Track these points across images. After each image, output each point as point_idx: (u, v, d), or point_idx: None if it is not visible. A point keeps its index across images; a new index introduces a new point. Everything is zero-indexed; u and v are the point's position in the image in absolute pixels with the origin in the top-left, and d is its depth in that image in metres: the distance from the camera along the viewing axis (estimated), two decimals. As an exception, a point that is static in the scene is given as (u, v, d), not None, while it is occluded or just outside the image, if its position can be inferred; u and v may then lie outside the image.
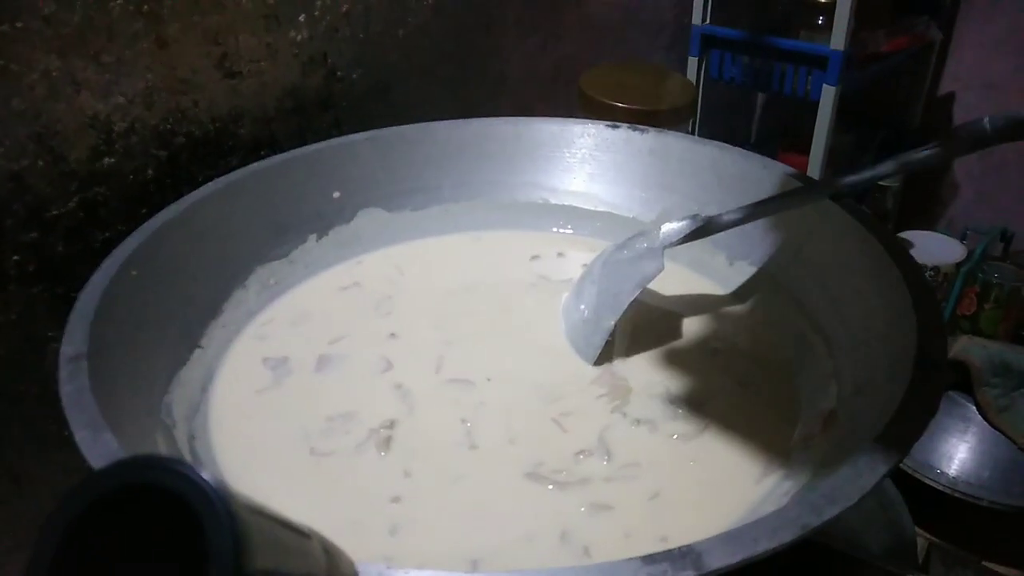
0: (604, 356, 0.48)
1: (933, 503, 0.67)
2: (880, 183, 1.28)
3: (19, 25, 0.45)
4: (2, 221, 0.47)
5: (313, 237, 0.56)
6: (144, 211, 0.53)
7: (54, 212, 0.49)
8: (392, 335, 0.50)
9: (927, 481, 0.69)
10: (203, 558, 0.15)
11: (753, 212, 0.48)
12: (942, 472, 0.69)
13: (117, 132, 0.51)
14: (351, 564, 0.23)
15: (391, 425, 0.43)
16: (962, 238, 1.12)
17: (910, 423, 0.32)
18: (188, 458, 0.39)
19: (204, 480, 0.16)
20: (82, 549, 0.16)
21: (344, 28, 0.63)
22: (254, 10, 0.57)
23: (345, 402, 0.45)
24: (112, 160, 0.51)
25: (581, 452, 0.41)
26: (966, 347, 0.72)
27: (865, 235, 0.45)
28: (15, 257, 0.48)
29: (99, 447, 0.30)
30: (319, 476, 0.40)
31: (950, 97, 1.45)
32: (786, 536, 0.27)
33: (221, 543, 0.15)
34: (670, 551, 0.26)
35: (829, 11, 1.06)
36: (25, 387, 0.51)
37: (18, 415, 0.51)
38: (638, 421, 0.43)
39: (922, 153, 0.44)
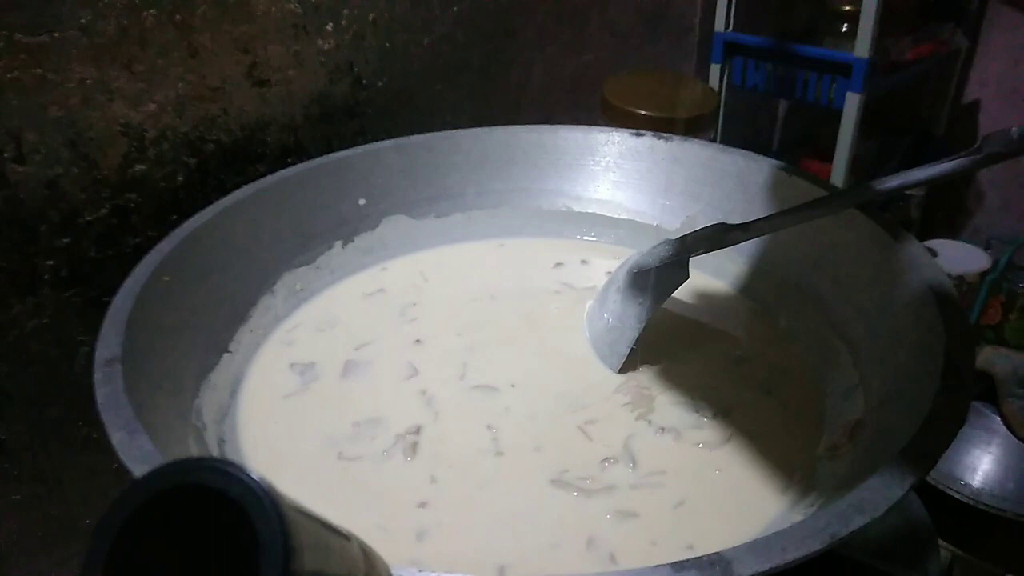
0: (628, 364, 0.48)
1: (957, 515, 0.67)
2: (905, 191, 1.27)
3: (56, 36, 0.46)
4: (37, 227, 0.48)
5: (339, 243, 0.57)
6: (174, 217, 0.54)
7: (87, 218, 0.50)
8: (417, 341, 0.51)
9: (951, 492, 0.68)
10: (252, 559, 0.15)
11: (778, 221, 0.48)
12: (966, 484, 0.68)
13: (149, 139, 0.52)
14: (387, 567, 0.23)
15: (417, 431, 0.43)
16: (987, 247, 1.11)
17: (937, 434, 0.32)
18: (218, 461, 0.40)
19: (255, 481, 0.16)
20: (134, 549, 0.17)
21: (370, 37, 0.64)
22: (283, 20, 0.58)
23: (371, 408, 0.45)
24: (143, 167, 0.52)
25: (606, 460, 0.41)
26: (991, 357, 0.72)
27: (891, 244, 0.45)
28: (48, 262, 0.49)
29: (135, 449, 0.31)
30: (346, 481, 0.40)
31: (975, 105, 1.44)
32: (814, 545, 0.27)
33: (272, 543, 0.15)
34: (699, 558, 0.26)
35: (853, 18, 1.05)
36: (57, 390, 0.52)
37: (49, 417, 0.52)
38: (663, 429, 0.43)
39: (949, 163, 0.44)
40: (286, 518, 0.16)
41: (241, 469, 0.16)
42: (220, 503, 0.16)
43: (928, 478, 0.68)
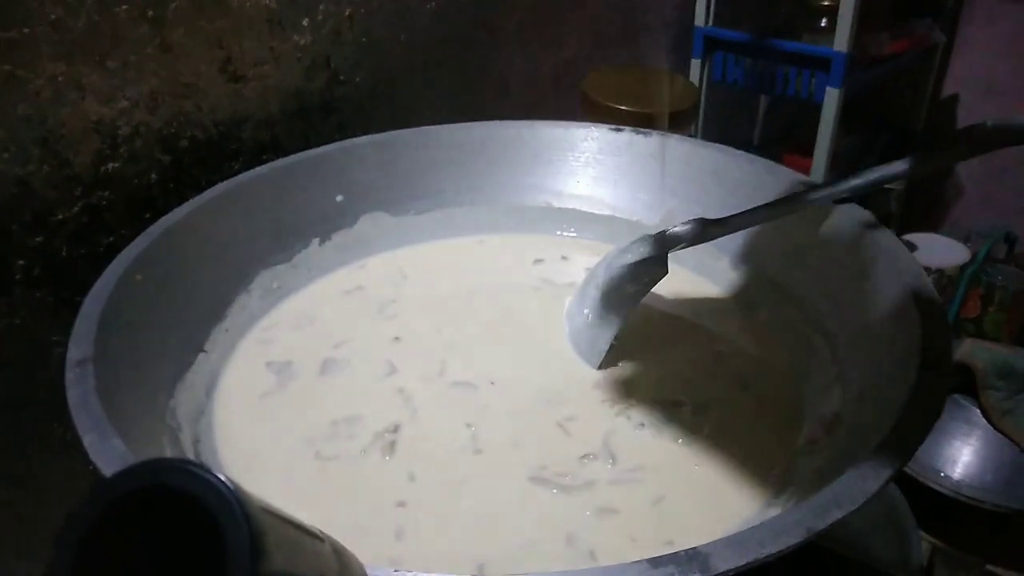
0: (608, 360, 0.48)
1: (937, 506, 0.67)
2: (884, 185, 1.28)
3: (26, 31, 0.45)
4: (8, 226, 0.47)
5: (316, 241, 0.56)
6: (148, 215, 0.53)
7: (59, 216, 0.49)
8: (396, 339, 0.50)
9: (931, 484, 0.69)
10: (220, 560, 0.15)
11: (756, 216, 0.48)
12: (946, 475, 0.69)
13: (121, 136, 0.51)
14: (361, 567, 0.23)
15: (395, 429, 0.43)
16: (966, 240, 1.12)
17: (914, 427, 0.32)
18: (193, 462, 0.39)
19: (221, 482, 0.16)
20: (100, 551, 0.16)
21: (347, 32, 0.64)
22: (257, 15, 0.57)
23: (349, 406, 0.45)
24: (116, 164, 0.52)
25: (585, 456, 0.41)
26: (970, 350, 0.72)
27: (868, 238, 0.45)
28: (20, 261, 0.48)
29: (107, 451, 0.31)
30: (324, 480, 0.40)
31: (953, 99, 1.46)
32: (791, 539, 0.27)
33: (239, 545, 0.15)
34: (676, 554, 0.26)
35: (832, 14, 1.06)
36: (29, 391, 0.51)
37: (22, 419, 0.51)
38: (642, 425, 0.43)
39: (926, 157, 0.44)
40: (253, 519, 0.16)
41: (207, 470, 0.16)
42: (187, 504, 0.16)
43: (908, 470, 0.68)
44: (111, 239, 0.52)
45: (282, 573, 0.16)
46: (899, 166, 0.45)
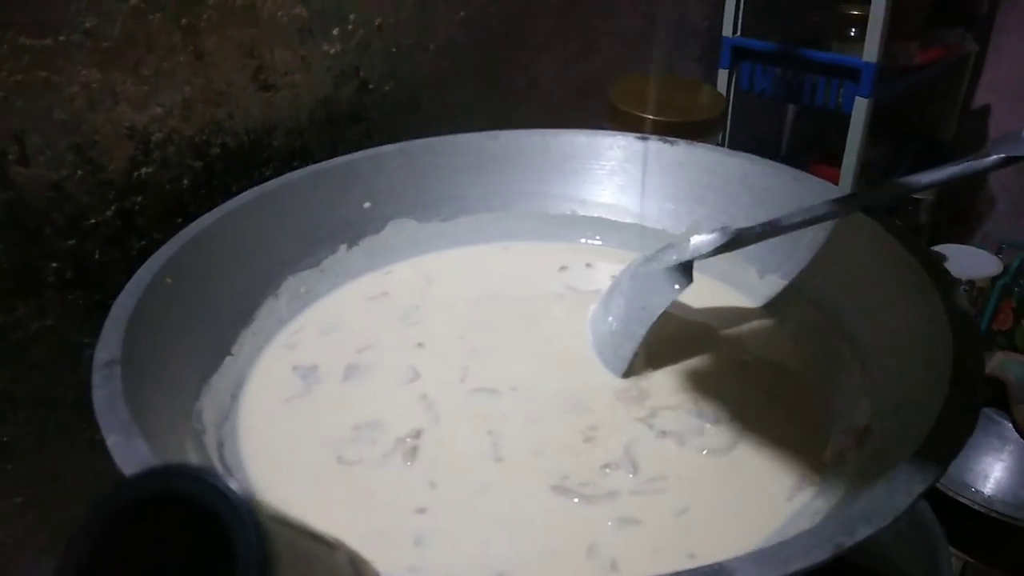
0: (632, 368, 0.47)
1: (968, 523, 0.66)
2: (914, 196, 1.26)
3: (61, 39, 0.46)
4: (41, 229, 0.48)
5: (344, 247, 0.56)
6: (179, 220, 0.54)
7: (92, 220, 0.50)
8: (419, 345, 0.50)
9: (962, 500, 0.67)
10: (230, 569, 0.15)
11: (784, 225, 0.47)
12: (977, 491, 0.68)
13: (154, 143, 0.52)
14: (377, 575, 0.23)
15: (417, 435, 0.43)
16: (998, 252, 1.11)
17: (947, 441, 0.32)
18: (217, 465, 0.39)
19: (232, 491, 0.16)
20: (109, 557, 0.16)
21: (376, 42, 0.64)
22: (289, 24, 0.58)
23: (372, 411, 0.45)
24: (149, 170, 0.52)
25: (607, 465, 0.41)
26: (1002, 363, 0.71)
27: (898, 248, 0.45)
28: (53, 264, 0.49)
29: (130, 453, 0.31)
30: (345, 485, 0.40)
31: (985, 109, 1.43)
32: (818, 555, 0.27)
33: (247, 555, 0.15)
34: (700, 568, 0.26)
35: (862, 22, 1.05)
36: (61, 392, 0.52)
37: (54, 419, 0.52)
38: (664, 434, 0.43)
39: (959, 166, 0.44)
40: (263, 528, 0.16)
41: (218, 477, 0.16)
42: (199, 511, 0.16)
43: (939, 485, 0.67)
44: (143, 243, 0.53)
45: None
46: (931, 175, 0.44)
